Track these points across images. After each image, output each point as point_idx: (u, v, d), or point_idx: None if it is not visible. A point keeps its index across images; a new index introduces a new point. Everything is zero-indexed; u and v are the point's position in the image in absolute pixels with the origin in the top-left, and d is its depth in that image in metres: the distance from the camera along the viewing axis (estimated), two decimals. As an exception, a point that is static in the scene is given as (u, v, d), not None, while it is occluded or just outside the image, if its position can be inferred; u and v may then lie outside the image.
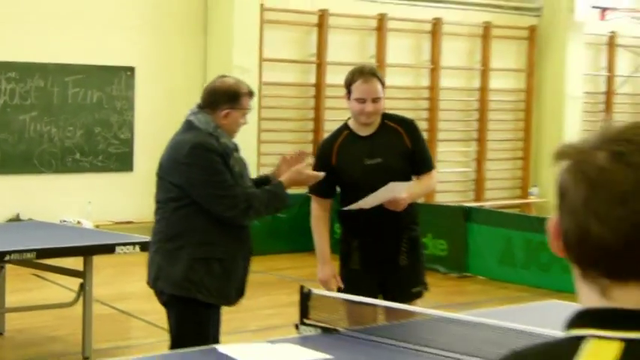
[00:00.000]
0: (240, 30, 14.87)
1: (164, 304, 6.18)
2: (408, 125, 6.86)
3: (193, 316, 6.16)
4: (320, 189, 6.69)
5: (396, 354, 5.01)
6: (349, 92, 6.53)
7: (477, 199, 17.15)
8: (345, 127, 6.72)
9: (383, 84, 6.71)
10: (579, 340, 1.76)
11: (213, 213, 6.01)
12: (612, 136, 1.77)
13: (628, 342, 1.73)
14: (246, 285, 6.45)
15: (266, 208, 6.25)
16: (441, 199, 16.45)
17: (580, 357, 1.81)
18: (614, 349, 1.77)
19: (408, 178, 6.69)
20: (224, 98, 6.09)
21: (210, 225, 6.09)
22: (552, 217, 1.83)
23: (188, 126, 6.16)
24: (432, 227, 12.96)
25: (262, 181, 6.43)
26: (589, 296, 1.84)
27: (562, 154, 1.82)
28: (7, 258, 8.42)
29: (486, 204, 16.18)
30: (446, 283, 11.82)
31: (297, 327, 5.63)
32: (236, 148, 6.28)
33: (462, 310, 7.05)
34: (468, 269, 12.57)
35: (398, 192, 6.52)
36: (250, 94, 6.25)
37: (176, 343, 6.01)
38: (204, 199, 5.99)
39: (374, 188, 6.41)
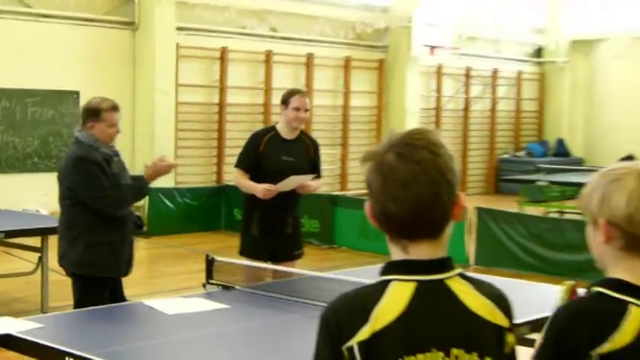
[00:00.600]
0: (161, 62, 14.57)
1: (70, 276, 6.18)
2: (315, 143, 7.24)
3: (90, 288, 6.07)
4: (245, 165, 6.85)
5: (280, 304, 5.11)
6: (286, 104, 6.82)
7: (342, 189, 17.32)
8: (273, 129, 6.98)
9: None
10: (387, 282, 2.21)
11: (95, 209, 5.98)
12: (396, 141, 2.22)
13: (419, 282, 2.20)
14: (133, 259, 6.39)
15: (132, 199, 6.30)
16: None
17: (386, 293, 2.20)
18: (410, 287, 2.20)
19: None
20: (88, 114, 6.01)
21: (98, 217, 6.04)
22: (367, 202, 2.27)
23: (75, 141, 6.15)
24: (308, 210, 12.86)
25: (138, 178, 6.31)
26: (395, 253, 2.26)
27: (366, 157, 2.26)
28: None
29: (348, 193, 16.35)
30: (318, 253, 12.02)
31: (204, 286, 5.77)
32: (116, 154, 6.20)
33: (329, 271, 7.28)
34: (334, 242, 12.83)
35: (301, 181, 6.81)
36: (114, 108, 6.10)
37: (78, 307, 5.94)
38: (87, 199, 5.97)
39: (282, 178, 6.66)
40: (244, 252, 6.87)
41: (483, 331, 2.26)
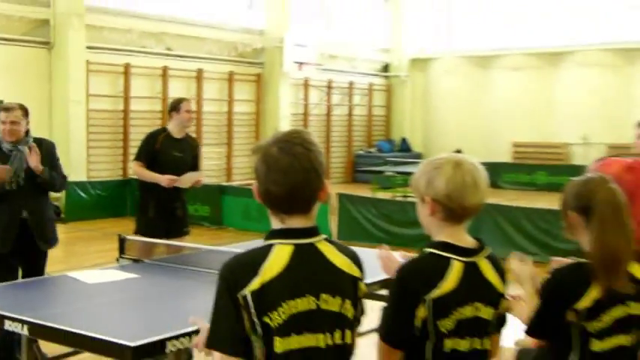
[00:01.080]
0: (74, 76, 14.29)
1: None
2: (196, 142, 7.23)
3: None
4: (145, 158, 6.61)
5: (179, 272, 5.03)
6: (178, 110, 6.72)
7: (228, 180, 17.15)
8: (165, 130, 6.84)
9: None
10: (271, 245, 2.30)
11: None
12: (278, 138, 2.32)
13: (296, 244, 2.30)
14: (9, 239, 5.80)
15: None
16: (206, 180, 16.70)
17: (271, 254, 2.28)
18: (289, 248, 2.29)
19: (193, 169, 6.90)
20: None
21: None
22: (254, 184, 2.36)
23: None
24: (200, 198, 13.09)
25: None
26: (275, 223, 2.36)
27: (255, 150, 2.35)
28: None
29: (234, 183, 16.14)
30: (209, 233, 12.03)
31: (117, 260, 5.64)
32: (16, 149, 5.79)
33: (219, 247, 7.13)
34: (223, 223, 12.86)
35: (196, 177, 6.80)
36: (3, 109, 5.80)
37: None
38: None
39: (174, 170, 6.60)
40: (141, 231, 6.71)
41: (344, 281, 2.38)
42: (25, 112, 5.86)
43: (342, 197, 11.75)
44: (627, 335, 2.84)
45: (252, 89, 18.77)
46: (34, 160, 5.67)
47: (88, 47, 14.61)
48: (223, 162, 17.86)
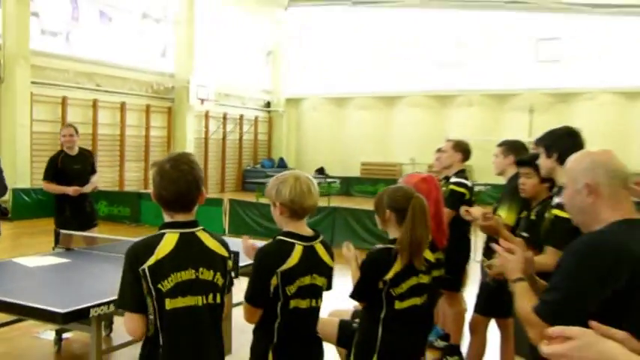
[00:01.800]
0: (21, 105, 13.74)
1: None
2: (89, 153, 6.83)
3: None
4: (50, 176, 6.27)
5: (100, 257, 4.90)
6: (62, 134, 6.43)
7: (145, 187, 16.38)
8: (62, 151, 6.32)
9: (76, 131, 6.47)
10: (163, 233, 2.30)
11: None
12: (171, 157, 2.35)
13: (181, 233, 2.32)
14: None
15: None
16: (127, 188, 16.04)
17: (163, 239, 2.28)
18: (176, 236, 2.30)
19: (92, 174, 6.48)
20: None
21: None
22: (152, 190, 2.34)
23: None
24: (122, 201, 13.02)
25: None
26: (167, 217, 2.36)
27: (153, 165, 2.40)
28: None
29: (148, 190, 15.64)
30: (129, 229, 11.64)
31: (53, 249, 5.53)
32: None
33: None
34: (140, 221, 12.52)
35: (96, 183, 6.49)
36: None
37: None
38: None
39: (78, 179, 6.31)
40: (60, 226, 6.14)
41: (216, 259, 2.40)
42: None
43: (232, 202, 11.74)
44: (419, 297, 2.88)
45: (164, 119, 18.42)
46: None
47: (33, 82, 14.15)
48: (142, 174, 17.41)
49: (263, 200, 14.77)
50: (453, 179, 4.62)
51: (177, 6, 18.36)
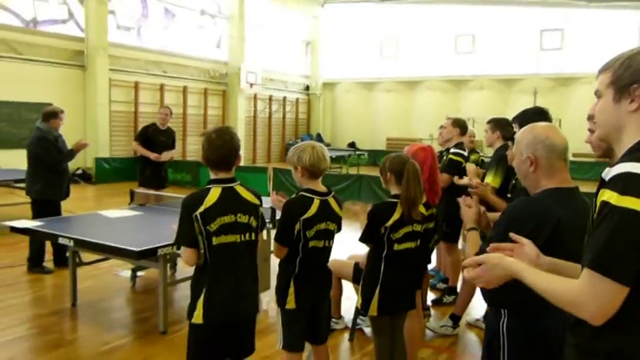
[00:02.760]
0: (100, 88, 13.86)
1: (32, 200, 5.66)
2: (172, 131, 6.98)
3: (46, 206, 5.55)
4: (142, 140, 6.67)
5: (166, 211, 4.19)
6: (159, 112, 6.92)
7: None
8: (154, 124, 6.82)
9: (171, 112, 6.93)
10: (210, 188, 2.45)
11: (50, 167, 5.54)
12: (216, 129, 2.47)
13: (223, 187, 2.47)
14: (69, 190, 5.82)
15: (68, 158, 5.67)
16: (189, 158, 15.99)
17: (209, 193, 2.43)
18: (219, 189, 2.45)
19: (172, 148, 6.90)
20: (49, 115, 5.55)
21: (50, 173, 5.55)
22: (201, 154, 2.42)
23: (36, 129, 5.61)
24: (185, 169, 13.09)
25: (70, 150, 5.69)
26: (212, 175, 2.44)
27: (203, 134, 2.48)
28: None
29: None
30: (190, 191, 12.22)
31: (129, 204, 5.80)
32: (60, 136, 5.68)
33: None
34: (199, 185, 11.97)
35: (173, 154, 6.84)
36: (62, 112, 5.64)
37: (36, 217, 5.30)
38: (44, 161, 5.49)
39: (160, 148, 6.69)
40: (141, 183, 6.67)
41: (250, 207, 2.56)
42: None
43: (275, 170, 11.85)
44: (413, 242, 2.96)
45: (219, 100, 18.43)
46: (76, 146, 5.72)
47: (110, 69, 14.37)
48: (200, 147, 17.45)
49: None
50: (452, 150, 4.73)
51: (230, 4, 18.39)
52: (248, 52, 18.81)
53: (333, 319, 4.22)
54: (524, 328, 1.86)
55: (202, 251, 2.44)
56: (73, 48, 13.88)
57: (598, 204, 1.26)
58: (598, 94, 1.42)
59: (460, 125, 4.81)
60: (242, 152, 15.91)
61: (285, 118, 21.56)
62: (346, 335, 4.09)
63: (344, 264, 4.02)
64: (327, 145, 21.61)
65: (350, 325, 4.08)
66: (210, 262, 2.45)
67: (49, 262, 5.77)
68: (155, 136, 6.77)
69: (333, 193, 2.84)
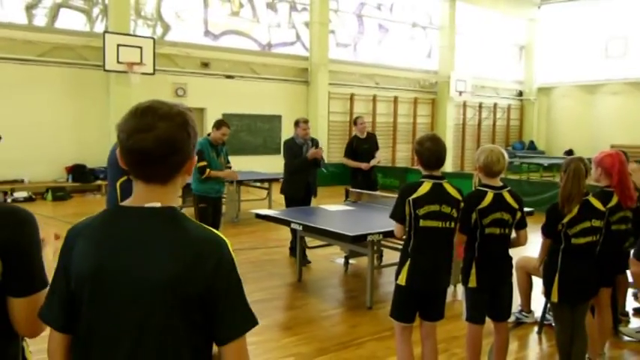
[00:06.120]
0: (321, 101, 14.88)
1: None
2: (374, 136, 7.20)
3: (292, 203, 6.08)
4: (349, 154, 6.87)
5: (377, 207, 4.71)
6: (355, 123, 7.04)
7: (411, 164, 15.77)
8: (355, 136, 6.99)
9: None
10: (422, 182, 2.82)
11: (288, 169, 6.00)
12: (429, 136, 2.79)
13: (433, 182, 2.86)
14: (314, 191, 6.32)
15: (302, 165, 6.03)
16: (398, 164, 16.73)
17: (422, 185, 2.82)
18: (430, 183, 2.85)
19: (374, 154, 6.97)
20: (296, 123, 6.02)
21: (288, 174, 6.00)
22: (417, 157, 2.84)
23: (289, 139, 6.01)
24: (393, 175, 13.37)
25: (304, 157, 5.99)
26: (424, 172, 2.82)
27: (417, 140, 2.85)
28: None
29: (415, 166, 16.51)
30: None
31: (344, 201, 6.40)
32: (306, 144, 6.04)
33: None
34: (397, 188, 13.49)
35: (377, 159, 6.99)
36: (305, 121, 5.98)
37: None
38: (286, 165, 5.99)
39: (366, 156, 6.86)
40: (355, 187, 6.76)
41: (453, 200, 2.90)
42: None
43: None
44: (591, 236, 3.08)
45: (428, 109, 18.79)
46: (312, 154, 6.10)
47: (330, 83, 15.58)
48: (409, 154, 17.72)
49: (511, 176, 14.87)
50: None
51: (442, 13, 18.73)
52: (458, 60, 18.98)
53: (523, 313, 4.50)
54: None
55: (409, 230, 2.88)
56: (299, 66, 15.49)
57: None
58: None
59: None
60: (450, 159, 16.22)
61: (496, 125, 21.32)
62: (535, 328, 4.36)
63: (533, 259, 4.25)
64: (542, 152, 20.81)
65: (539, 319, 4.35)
66: (415, 239, 2.90)
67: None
68: (359, 146, 7.02)
69: (509, 187, 3.10)
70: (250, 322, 1.23)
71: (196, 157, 1.30)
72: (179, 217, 1.21)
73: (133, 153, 1.18)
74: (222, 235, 1.25)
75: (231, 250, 1.23)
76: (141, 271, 1.16)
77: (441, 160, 2.87)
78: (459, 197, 2.92)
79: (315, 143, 6.30)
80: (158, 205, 1.20)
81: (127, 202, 1.23)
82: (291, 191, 6.24)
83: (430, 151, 2.83)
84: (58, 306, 1.23)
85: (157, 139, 1.16)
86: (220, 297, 1.18)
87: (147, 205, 1.20)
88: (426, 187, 2.84)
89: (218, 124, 5.66)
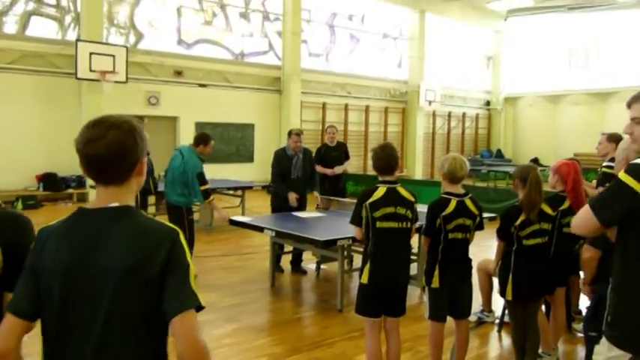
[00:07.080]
0: (293, 110, 14.93)
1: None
2: (344, 145, 7.27)
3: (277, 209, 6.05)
4: (317, 160, 6.63)
5: (338, 213, 5.23)
6: (327, 131, 7.10)
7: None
8: (324, 144, 7.08)
9: (336, 129, 7.08)
10: (378, 186, 3.01)
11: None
12: (381, 145, 2.97)
13: (387, 187, 3.03)
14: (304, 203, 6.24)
15: (276, 185, 6.02)
16: (369, 173, 16.31)
17: (377, 190, 2.97)
18: (385, 188, 3.01)
19: (346, 159, 7.04)
20: (289, 134, 5.93)
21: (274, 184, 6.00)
22: (372, 163, 3.01)
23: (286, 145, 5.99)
24: (364, 182, 12.80)
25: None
26: (380, 177, 2.97)
27: (372, 150, 2.98)
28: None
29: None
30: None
31: (316, 208, 6.36)
32: (296, 155, 6.01)
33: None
34: None
35: (343, 167, 7.03)
36: (297, 133, 5.88)
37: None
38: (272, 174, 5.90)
39: (334, 163, 6.90)
40: (324, 194, 6.69)
41: (407, 202, 3.01)
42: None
43: None
44: (541, 238, 3.27)
45: (399, 118, 18.96)
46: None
47: (302, 92, 15.70)
48: None
49: (479, 183, 15.28)
50: (604, 163, 4.89)
51: (411, 25, 19.04)
52: (428, 71, 19.25)
53: (485, 313, 4.72)
54: None
55: (367, 232, 3.03)
56: (272, 75, 15.59)
57: None
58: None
59: (616, 140, 4.96)
60: (420, 167, 16.29)
61: (465, 133, 21.58)
62: (496, 327, 4.59)
63: (492, 261, 4.46)
64: (508, 160, 21.19)
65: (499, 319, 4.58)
66: (372, 240, 3.07)
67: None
68: (327, 154, 7.05)
69: (470, 195, 3.29)
70: (194, 300, 1.31)
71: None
72: (135, 213, 1.36)
73: (89, 159, 1.33)
74: (173, 226, 1.38)
75: (182, 238, 1.36)
76: (105, 262, 1.29)
77: (391, 166, 3.02)
78: (413, 199, 3.09)
79: (307, 155, 6.22)
80: (117, 204, 1.35)
81: (90, 205, 1.38)
82: (275, 202, 6.25)
83: (381, 158, 3.01)
84: (26, 298, 1.35)
85: (107, 146, 1.31)
86: (170, 276, 1.30)
87: (108, 205, 1.35)
88: (381, 191, 3.00)
89: (206, 139, 5.63)
